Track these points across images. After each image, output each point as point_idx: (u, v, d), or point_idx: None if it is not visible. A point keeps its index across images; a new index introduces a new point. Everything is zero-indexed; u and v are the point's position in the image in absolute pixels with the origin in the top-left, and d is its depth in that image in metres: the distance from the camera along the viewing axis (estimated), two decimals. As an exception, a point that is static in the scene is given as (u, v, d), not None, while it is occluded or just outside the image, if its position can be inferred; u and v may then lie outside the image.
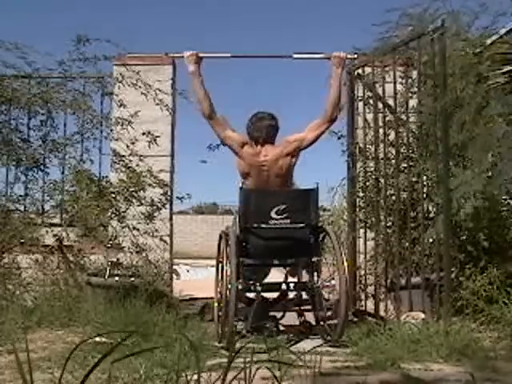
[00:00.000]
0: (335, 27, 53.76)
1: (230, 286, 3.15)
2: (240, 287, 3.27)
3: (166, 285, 4.57)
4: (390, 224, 3.92)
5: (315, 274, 3.55)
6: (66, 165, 4.82)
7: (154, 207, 4.69)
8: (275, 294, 3.72)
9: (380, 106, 4.10)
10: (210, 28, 59.04)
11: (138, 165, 4.72)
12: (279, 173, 3.81)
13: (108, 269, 4.23)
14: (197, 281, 7.78)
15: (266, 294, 3.61)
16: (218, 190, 54.80)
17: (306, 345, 3.17)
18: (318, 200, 3.54)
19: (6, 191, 4.77)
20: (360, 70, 4.34)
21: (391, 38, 4.14)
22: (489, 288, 3.37)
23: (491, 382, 2.23)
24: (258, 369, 1.32)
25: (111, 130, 4.79)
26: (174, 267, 5.71)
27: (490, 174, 3.73)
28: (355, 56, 4.14)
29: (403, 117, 3.89)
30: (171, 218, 4.87)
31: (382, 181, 3.97)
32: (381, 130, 4.02)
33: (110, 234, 4.60)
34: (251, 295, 3.56)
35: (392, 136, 3.99)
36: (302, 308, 3.65)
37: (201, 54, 3.95)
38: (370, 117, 4.20)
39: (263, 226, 3.42)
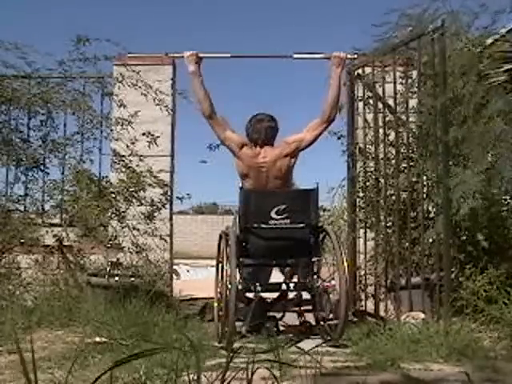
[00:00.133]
0: (335, 27, 53.83)
1: (229, 286, 3.15)
2: (240, 287, 3.27)
3: (165, 285, 4.57)
4: (390, 224, 3.92)
5: (315, 273, 3.55)
6: (66, 165, 4.82)
7: (154, 207, 4.69)
8: (275, 294, 3.73)
9: (380, 106, 4.10)
10: (210, 28, 59.07)
11: (138, 165, 4.72)
12: (278, 174, 3.81)
13: (108, 269, 4.23)
14: (197, 281, 7.79)
15: (266, 294, 3.61)
16: (218, 190, 54.85)
17: (306, 345, 3.17)
18: (318, 200, 3.54)
19: (6, 191, 4.78)
20: (360, 70, 4.34)
21: (391, 38, 4.13)
22: (489, 288, 3.37)
23: (491, 382, 2.23)
24: (257, 368, 1.32)
25: (111, 130, 4.79)
26: (174, 267, 5.71)
27: (489, 173, 3.73)
28: (355, 56, 4.14)
29: (403, 117, 3.89)
30: (171, 218, 4.87)
31: (382, 181, 3.97)
32: (381, 130, 4.02)
33: (109, 234, 4.60)
34: (252, 295, 3.56)
35: (392, 136, 3.99)
36: (302, 308, 3.65)
37: (201, 54, 3.95)
38: (370, 117, 4.20)
39: (263, 226, 3.42)
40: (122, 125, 4.75)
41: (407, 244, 3.79)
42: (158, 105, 4.81)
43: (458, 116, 3.74)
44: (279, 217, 3.41)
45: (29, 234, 4.55)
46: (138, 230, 4.63)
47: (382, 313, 3.72)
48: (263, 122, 3.91)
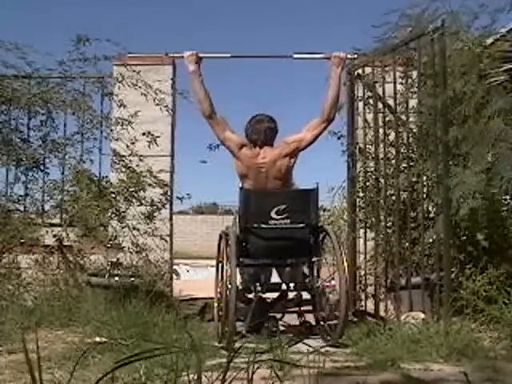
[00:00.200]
0: (335, 27, 53.87)
1: (229, 286, 3.15)
2: (240, 287, 3.27)
3: (165, 285, 4.57)
4: (390, 224, 3.92)
5: (315, 274, 3.55)
6: (66, 165, 4.82)
7: (154, 207, 4.69)
8: (275, 294, 3.73)
9: (380, 106, 4.10)
10: (210, 28, 59.06)
11: (138, 165, 4.72)
12: (278, 174, 3.81)
13: (108, 269, 4.23)
14: (197, 281, 7.79)
15: (267, 294, 3.61)
16: (218, 189, 54.86)
17: (306, 345, 3.17)
18: (318, 200, 3.55)
19: (6, 191, 4.77)
20: (360, 70, 4.34)
21: (390, 39, 4.14)
22: (489, 288, 3.37)
23: (491, 382, 2.23)
24: (257, 368, 1.32)
25: (111, 130, 4.79)
26: (174, 267, 5.71)
27: (489, 173, 3.73)
28: (355, 56, 4.14)
29: (403, 117, 3.89)
30: (171, 218, 4.87)
31: (382, 181, 3.97)
32: (381, 130, 4.02)
33: (109, 234, 4.60)
34: (252, 295, 3.56)
35: (392, 136, 3.99)
36: (302, 308, 3.65)
37: (201, 54, 3.95)
38: (370, 117, 4.20)
39: (263, 226, 3.42)
40: (121, 125, 4.75)
41: (407, 244, 3.79)
42: (158, 105, 4.81)
43: (458, 116, 3.73)
44: (279, 217, 3.41)
45: (29, 234, 4.55)
46: (138, 229, 4.63)
47: (382, 313, 3.72)
48: (263, 122, 3.91)
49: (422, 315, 3.32)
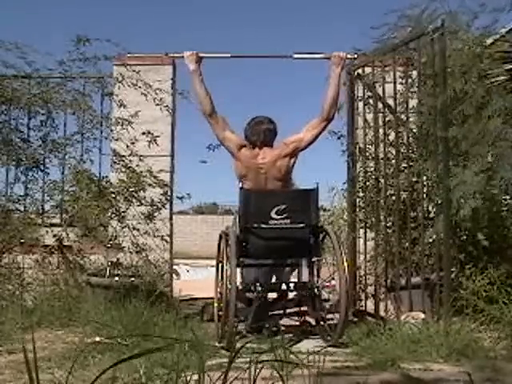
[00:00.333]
0: (335, 27, 53.86)
1: (229, 286, 3.15)
2: (240, 287, 3.27)
3: (165, 285, 4.57)
4: (390, 224, 3.92)
5: (315, 273, 3.55)
6: (66, 165, 4.82)
7: (154, 207, 4.69)
8: (275, 294, 3.73)
9: (380, 106, 4.10)
10: (209, 28, 59.05)
11: (138, 165, 4.72)
12: (277, 175, 3.80)
13: (108, 269, 4.23)
14: (197, 281, 7.79)
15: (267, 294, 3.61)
16: (218, 190, 54.80)
17: (306, 345, 3.17)
18: (318, 200, 3.54)
19: (6, 191, 4.78)
20: (360, 70, 4.33)
21: (390, 39, 4.14)
22: (489, 288, 3.37)
23: (491, 382, 2.23)
24: (261, 369, 1.32)
25: (111, 130, 4.80)
26: (174, 267, 5.71)
27: (489, 173, 3.73)
28: (355, 56, 4.13)
29: (403, 117, 3.89)
30: (171, 218, 4.87)
31: (382, 181, 3.97)
32: (381, 130, 4.02)
33: (110, 234, 4.60)
34: (252, 295, 3.56)
35: (392, 136, 3.99)
36: (302, 308, 3.65)
37: (201, 54, 3.95)
38: (370, 117, 4.20)
39: (263, 226, 3.41)
40: (121, 125, 4.76)
41: (407, 244, 3.79)
42: (158, 105, 4.81)
43: (458, 116, 3.74)
44: (279, 217, 3.41)
45: (29, 234, 4.55)
46: (138, 230, 4.64)
47: (382, 313, 3.71)
48: (262, 124, 3.91)
49: (422, 315, 3.32)
